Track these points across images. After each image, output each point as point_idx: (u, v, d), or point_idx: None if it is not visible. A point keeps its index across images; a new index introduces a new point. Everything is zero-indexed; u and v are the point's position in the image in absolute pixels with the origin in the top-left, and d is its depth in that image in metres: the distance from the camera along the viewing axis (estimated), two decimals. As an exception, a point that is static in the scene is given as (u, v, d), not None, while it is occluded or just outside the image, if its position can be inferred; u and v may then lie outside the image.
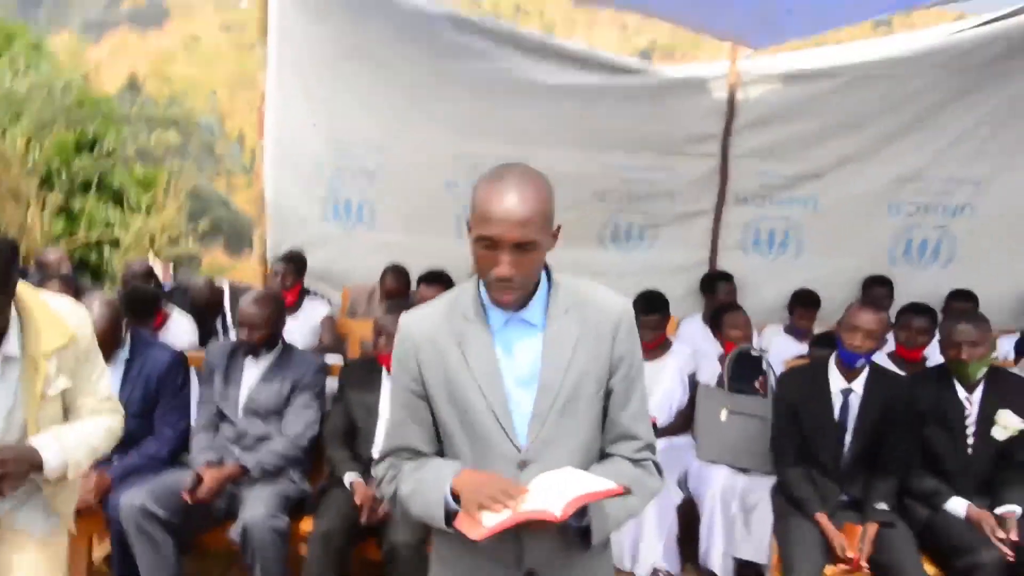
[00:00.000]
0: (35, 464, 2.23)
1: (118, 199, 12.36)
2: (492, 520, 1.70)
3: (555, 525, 1.73)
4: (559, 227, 1.89)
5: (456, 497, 1.82)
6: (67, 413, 2.42)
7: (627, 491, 1.79)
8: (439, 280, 5.15)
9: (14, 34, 14.54)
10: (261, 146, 6.06)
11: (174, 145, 12.82)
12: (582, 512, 1.79)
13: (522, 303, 1.90)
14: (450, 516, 1.82)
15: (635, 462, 1.97)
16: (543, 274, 1.94)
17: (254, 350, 3.85)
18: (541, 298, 1.92)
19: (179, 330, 4.99)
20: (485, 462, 1.87)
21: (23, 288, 2.24)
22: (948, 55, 5.54)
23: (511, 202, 1.76)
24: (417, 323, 1.95)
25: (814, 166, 5.85)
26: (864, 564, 3.42)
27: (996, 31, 5.49)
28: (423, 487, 1.87)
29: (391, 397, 2.01)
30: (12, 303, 2.18)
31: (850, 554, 3.42)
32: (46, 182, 10.78)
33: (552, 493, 1.75)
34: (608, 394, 1.95)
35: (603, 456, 1.99)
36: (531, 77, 5.79)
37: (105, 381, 2.51)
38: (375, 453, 3.75)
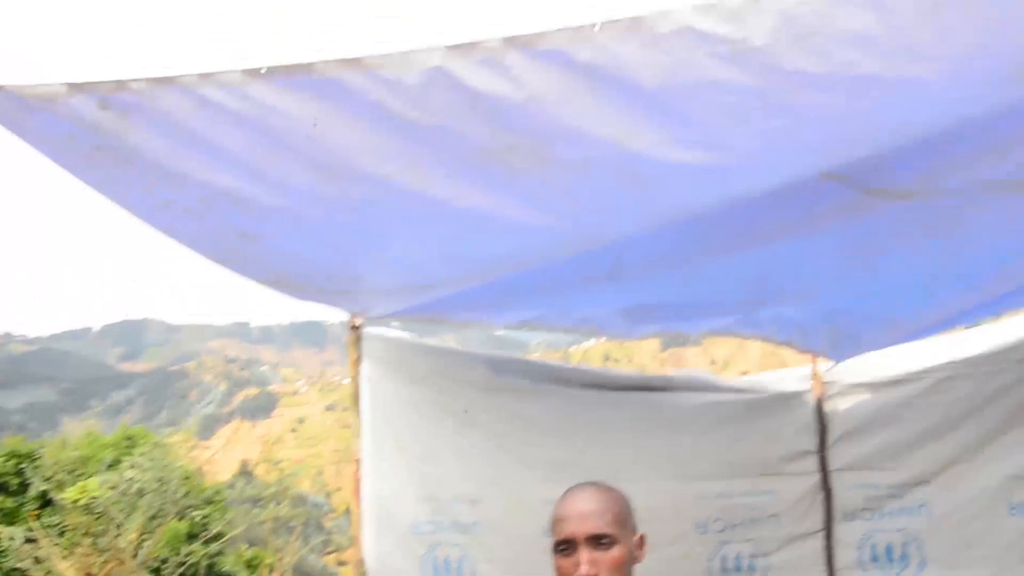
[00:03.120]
0: None
1: (226, 583, 12.47)
2: None
3: None
4: (642, 537, 1.89)
5: None
6: None
7: None
8: None
9: (137, 438, 15.64)
10: (357, 513, 6.14)
11: (281, 521, 13.09)
12: None
13: None
14: None
15: None
16: None
17: None
18: None
19: None
20: None
21: None
22: (1029, 347, 5.48)
23: (582, 498, 1.82)
24: None
25: (919, 472, 5.61)
26: None
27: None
28: None
29: None
30: None
31: None
32: (157, 573, 10.98)
33: None
34: None
35: None
36: (616, 413, 5.88)
37: None
38: None
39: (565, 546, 1.79)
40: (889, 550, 5.65)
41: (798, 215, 3.70)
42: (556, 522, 1.81)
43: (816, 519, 5.75)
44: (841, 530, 5.72)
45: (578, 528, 1.78)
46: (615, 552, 1.78)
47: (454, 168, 2.98)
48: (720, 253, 4.19)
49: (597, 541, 1.77)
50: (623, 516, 1.82)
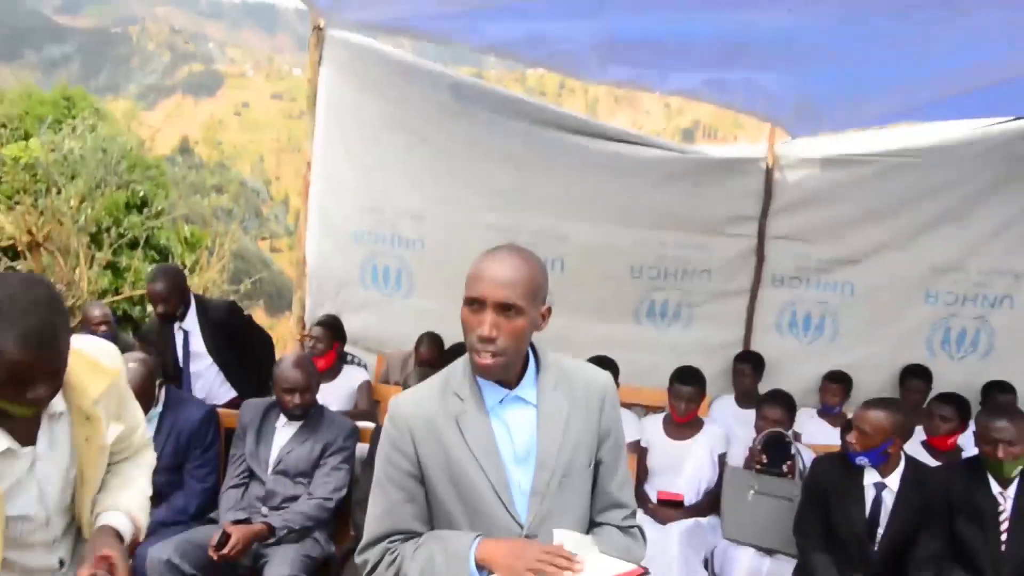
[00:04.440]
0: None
1: (163, 257, 12.66)
2: None
3: None
4: (550, 308, 1.96)
5: (480, 567, 1.82)
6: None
7: (646, 572, 1.82)
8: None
9: (76, 100, 15.16)
10: (305, 211, 6.19)
11: (222, 208, 13.14)
12: None
13: (513, 380, 1.95)
14: None
15: (623, 530, 2.01)
16: (531, 354, 2.00)
17: (297, 415, 3.91)
18: (532, 376, 1.99)
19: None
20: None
21: None
22: (983, 146, 5.55)
23: (498, 265, 1.86)
24: (411, 404, 1.99)
25: (850, 251, 5.84)
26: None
27: (1032, 124, 5.51)
28: (436, 563, 1.86)
29: (378, 482, 1.99)
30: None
31: None
32: (95, 239, 11.07)
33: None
34: (597, 465, 2.02)
35: (592, 525, 2.03)
36: (568, 153, 5.87)
37: (140, 412, 2.45)
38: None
39: (474, 303, 1.85)
40: (807, 319, 5.98)
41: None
42: (472, 279, 1.86)
43: (745, 280, 6.00)
44: (766, 294, 5.99)
45: (490, 292, 1.83)
46: (518, 322, 1.86)
47: None
48: (709, 7, 4.02)
49: (504, 308, 1.84)
50: (534, 289, 1.87)
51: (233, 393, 5.07)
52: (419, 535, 1.96)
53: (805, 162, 5.85)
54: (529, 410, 1.96)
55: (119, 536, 2.16)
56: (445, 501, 1.94)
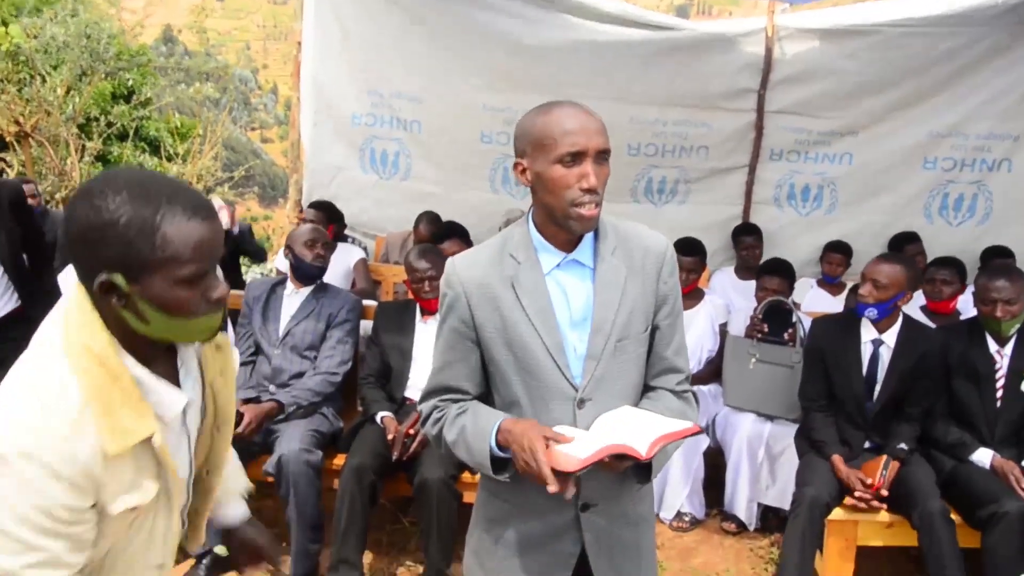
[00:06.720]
0: None
1: (154, 148, 12.49)
2: (584, 452, 1.71)
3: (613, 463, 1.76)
4: None
5: (502, 448, 1.84)
6: None
7: (702, 430, 1.83)
8: (459, 235, 5.17)
9: (55, -16, 14.68)
10: (296, 96, 6.09)
11: (210, 97, 12.89)
12: None
13: (571, 243, 1.93)
14: (498, 463, 1.86)
15: (677, 394, 2.00)
16: None
17: (318, 267, 4.00)
18: (589, 238, 1.95)
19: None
20: (542, 402, 1.90)
21: None
22: (986, 13, 5.41)
23: (582, 115, 1.83)
24: (467, 267, 1.96)
25: (849, 122, 5.79)
26: (884, 492, 3.45)
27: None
28: (468, 433, 1.89)
29: (438, 338, 2.00)
30: None
31: (868, 480, 3.46)
32: (84, 130, 10.88)
33: (632, 432, 1.78)
34: (654, 331, 1.99)
35: (646, 389, 2.03)
36: (565, 32, 5.75)
37: None
38: (408, 394, 3.88)
39: (573, 157, 1.81)
40: (806, 190, 5.97)
41: None
42: (562, 134, 1.80)
43: (743, 156, 5.96)
44: (765, 168, 5.97)
45: (590, 142, 1.80)
46: (607, 167, 1.85)
47: None
48: None
49: (602, 155, 1.82)
50: None
51: (13, 304, 4.03)
52: (467, 394, 1.99)
53: (805, 33, 5.74)
54: (585, 274, 1.94)
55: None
56: (501, 364, 1.94)
